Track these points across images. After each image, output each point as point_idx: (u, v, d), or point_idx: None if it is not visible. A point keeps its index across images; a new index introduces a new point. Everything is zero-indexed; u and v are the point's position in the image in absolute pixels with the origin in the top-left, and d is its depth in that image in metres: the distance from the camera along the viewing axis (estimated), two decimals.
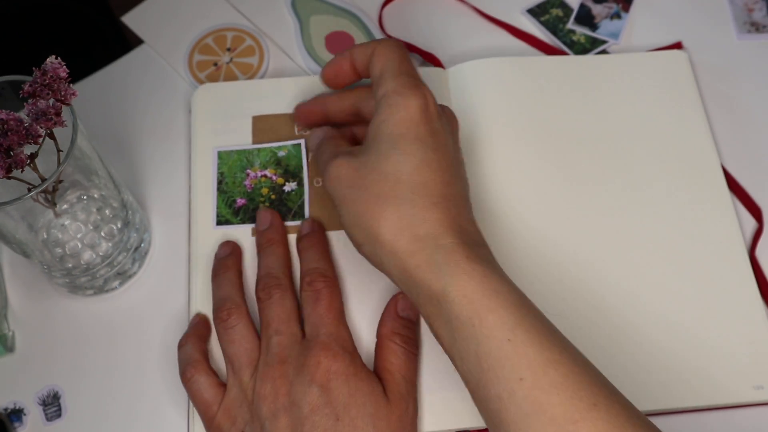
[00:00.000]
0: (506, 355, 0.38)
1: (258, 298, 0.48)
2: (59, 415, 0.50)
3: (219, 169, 0.55)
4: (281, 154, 0.55)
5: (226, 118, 0.57)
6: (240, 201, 0.54)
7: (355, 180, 0.44)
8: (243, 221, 0.53)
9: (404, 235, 0.41)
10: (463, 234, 0.42)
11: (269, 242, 0.51)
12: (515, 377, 0.37)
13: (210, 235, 0.53)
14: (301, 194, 0.54)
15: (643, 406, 0.47)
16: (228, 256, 0.51)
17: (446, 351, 0.41)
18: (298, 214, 0.53)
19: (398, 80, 0.45)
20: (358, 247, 0.45)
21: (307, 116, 0.54)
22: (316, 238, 0.51)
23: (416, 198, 0.42)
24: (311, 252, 0.50)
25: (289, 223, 0.53)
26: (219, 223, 0.53)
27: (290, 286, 0.48)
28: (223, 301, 0.48)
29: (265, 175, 0.55)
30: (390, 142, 0.43)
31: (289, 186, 0.54)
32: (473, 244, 0.42)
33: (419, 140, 0.43)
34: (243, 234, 0.53)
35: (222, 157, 0.55)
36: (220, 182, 0.55)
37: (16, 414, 0.50)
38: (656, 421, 0.48)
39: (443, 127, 0.45)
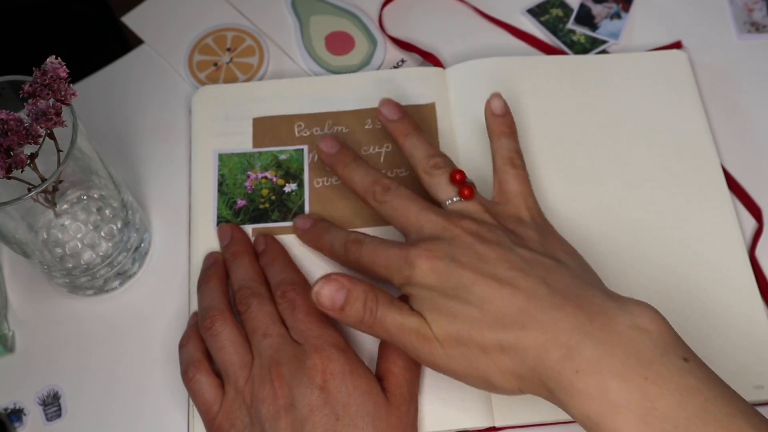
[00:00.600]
0: None
1: (239, 312, 0.48)
2: (59, 415, 0.50)
3: (219, 171, 0.55)
4: (282, 157, 0.55)
5: (227, 119, 0.57)
6: (240, 202, 0.54)
7: None
8: (243, 222, 0.53)
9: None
10: None
11: (234, 255, 0.51)
12: None
13: (210, 236, 0.53)
14: (302, 195, 0.54)
15: None
16: (210, 267, 0.51)
17: None
18: (299, 215, 0.53)
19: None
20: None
21: None
22: (273, 252, 0.51)
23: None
24: (274, 266, 0.50)
25: (289, 224, 0.53)
26: (219, 223, 0.53)
27: (266, 292, 0.48)
28: (207, 311, 0.48)
29: (266, 177, 0.55)
30: None
31: (290, 187, 0.54)
32: None
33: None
34: None
35: (223, 159, 0.55)
36: (220, 184, 0.55)
37: (16, 414, 0.50)
38: None
39: None
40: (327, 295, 0.43)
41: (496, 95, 0.51)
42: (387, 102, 0.52)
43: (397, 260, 0.44)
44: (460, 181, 0.47)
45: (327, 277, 0.43)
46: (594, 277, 0.45)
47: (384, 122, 0.52)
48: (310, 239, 0.51)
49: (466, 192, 0.47)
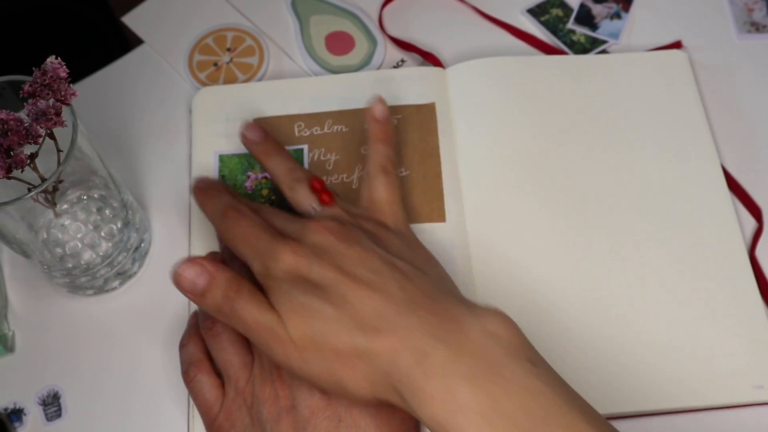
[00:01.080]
0: None
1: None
2: (59, 415, 0.50)
3: (220, 171, 0.55)
4: None
5: (227, 120, 0.57)
6: None
7: None
8: None
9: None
10: None
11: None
12: None
13: (211, 236, 0.53)
14: None
15: (643, 406, 0.48)
16: None
17: None
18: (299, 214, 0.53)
19: None
20: None
21: None
22: None
23: None
24: None
25: None
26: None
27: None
28: None
29: (266, 177, 0.55)
30: None
31: None
32: None
33: None
34: None
35: (223, 160, 0.55)
36: None
37: (16, 414, 0.50)
38: (657, 421, 0.48)
39: None
40: (188, 278, 0.42)
41: (379, 100, 0.51)
42: (249, 125, 0.53)
43: (265, 247, 0.43)
44: (319, 188, 0.48)
45: (192, 260, 0.42)
46: (452, 286, 0.46)
47: (246, 144, 0.53)
48: (203, 197, 0.50)
49: (325, 197, 0.48)
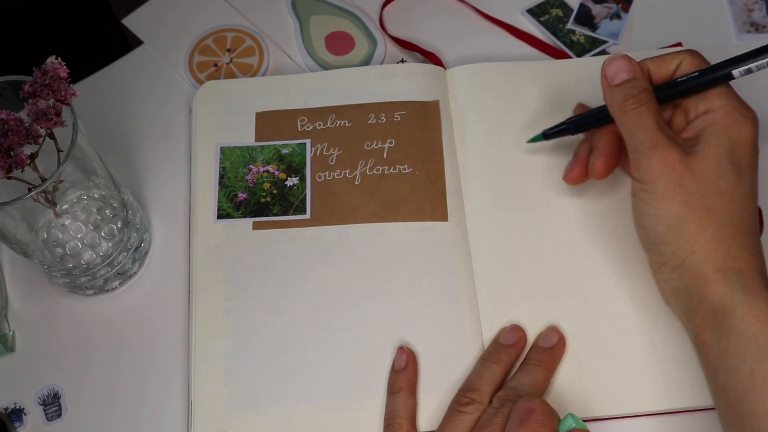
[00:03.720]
0: None
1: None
2: (59, 415, 0.50)
3: (221, 164, 0.55)
4: (285, 151, 0.55)
5: (229, 114, 0.57)
6: (241, 195, 0.54)
7: (690, 181, 0.44)
8: (244, 215, 0.53)
9: (719, 250, 0.44)
10: (761, 264, 0.44)
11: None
12: None
13: (210, 229, 0.53)
14: (303, 189, 0.54)
15: (644, 406, 0.48)
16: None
17: (707, 361, 0.44)
18: (300, 209, 0.53)
19: (732, 95, 0.46)
20: (657, 243, 0.46)
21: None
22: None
23: (739, 223, 0.44)
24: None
25: (290, 218, 0.53)
26: (220, 216, 0.53)
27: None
28: (469, 388, 0.47)
29: (268, 171, 0.55)
30: (730, 160, 0.45)
31: (291, 181, 0.54)
32: (766, 276, 0.44)
33: (752, 167, 0.45)
34: (243, 228, 0.53)
35: (224, 152, 0.56)
36: (221, 177, 0.55)
37: (17, 414, 0.50)
38: (657, 422, 0.48)
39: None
40: (615, 67, 0.47)
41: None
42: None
43: None
44: None
45: (620, 57, 0.47)
46: None
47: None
48: None
49: None
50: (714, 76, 0.46)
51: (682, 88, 0.47)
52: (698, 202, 0.44)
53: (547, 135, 0.53)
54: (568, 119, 0.52)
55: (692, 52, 0.48)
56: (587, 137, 0.52)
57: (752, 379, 0.41)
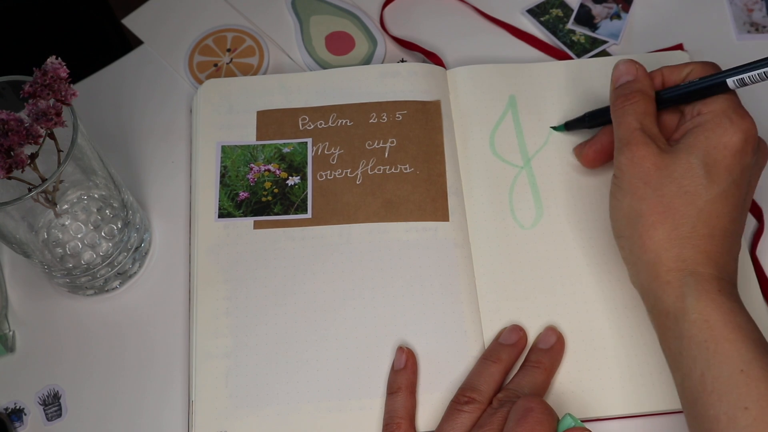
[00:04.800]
0: (735, 383, 0.40)
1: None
2: (60, 415, 0.50)
3: (222, 162, 0.55)
4: (286, 150, 0.55)
5: (231, 112, 0.57)
6: (242, 194, 0.54)
7: (654, 179, 0.44)
8: (245, 214, 0.53)
9: (671, 250, 0.43)
10: (722, 269, 0.44)
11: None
12: (740, 405, 0.39)
13: (211, 228, 0.53)
14: (305, 188, 0.54)
15: (645, 407, 0.48)
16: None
17: (668, 362, 0.44)
18: (301, 208, 0.53)
19: (730, 103, 0.46)
20: (617, 236, 0.47)
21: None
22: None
23: (699, 225, 0.44)
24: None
25: (291, 217, 0.53)
26: (221, 215, 0.53)
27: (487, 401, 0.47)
28: (468, 387, 0.47)
29: (269, 170, 0.55)
30: (702, 161, 0.44)
31: (293, 180, 0.54)
32: (728, 281, 0.44)
33: (728, 171, 0.44)
34: (244, 227, 0.53)
35: (225, 151, 0.55)
36: (222, 175, 0.55)
37: (17, 414, 0.50)
38: (657, 422, 0.48)
39: (752, 162, 0.45)
40: (619, 70, 0.48)
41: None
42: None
43: None
44: None
45: (625, 61, 0.48)
46: None
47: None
48: None
49: None
50: (707, 83, 0.46)
51: (679, 92, 0.47)
52: (656, 200, 0.44)
53: (568, 125, 0.55)
54: (586, 112, 0.54)
55: (706, 63, 0.48)
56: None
57: (703, 383, 0.41)
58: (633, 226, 0.45)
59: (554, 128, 0.56)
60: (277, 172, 0.55)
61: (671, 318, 0.43)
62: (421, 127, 0.56)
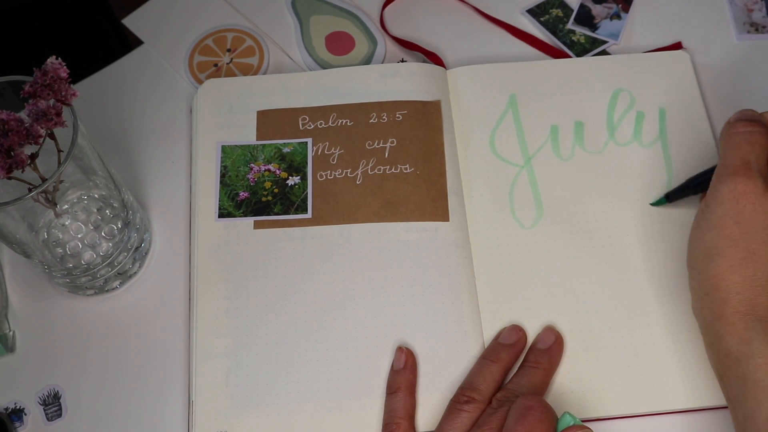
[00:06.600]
0: None
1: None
2: (60, 415, 0.50)
3: (222, 162, 0.55)
4: (286, 150, 0.55)
5: (231, 112, 0.57)
6: (243, 194, 0.54)
7: (747, 220, 0.43)
8: (245, 214, 0.53)
9: (743, 294, 0.42)
10: None
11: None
12: None
13: (211, 228, 0.53)
14: (305, 188, 0.54)
15: (645, 407, 0.48)
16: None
17: (728, 400, 0.43)
18: (301, 208, 0.53)
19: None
20: (690, 267, 0.45)
21: None
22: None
23: None
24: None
25: (291, 217, 0.53)
26: (221, 215, 0.53)
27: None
28: (468, 387, 0.47)
29: (269, 170, 0.55)
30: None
31: (293, 180, 0.54)
32: None
33: None
34: (244, 227, 0.53)
35: (225, 151, 0.56)
36: (223, 175, 0.55)
37: (17, 414, 0.50)
38: (657, 422, 0.48)
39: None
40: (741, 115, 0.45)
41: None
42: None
43: None
44: None
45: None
46: None
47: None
48: None
49: None
50: None
51: None
52: (743, 244, 0.43)
53: (669, 196, 0.52)
54: (687, 180, 0.51)
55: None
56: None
57: (767, 426, 0.40)
58: (709, 262, 0.43)
59: (654, 204, 0.53)
60: (277, 172, 0.55)
61: (732, 359, 0.42)
62: (421, 127, 0.56)
